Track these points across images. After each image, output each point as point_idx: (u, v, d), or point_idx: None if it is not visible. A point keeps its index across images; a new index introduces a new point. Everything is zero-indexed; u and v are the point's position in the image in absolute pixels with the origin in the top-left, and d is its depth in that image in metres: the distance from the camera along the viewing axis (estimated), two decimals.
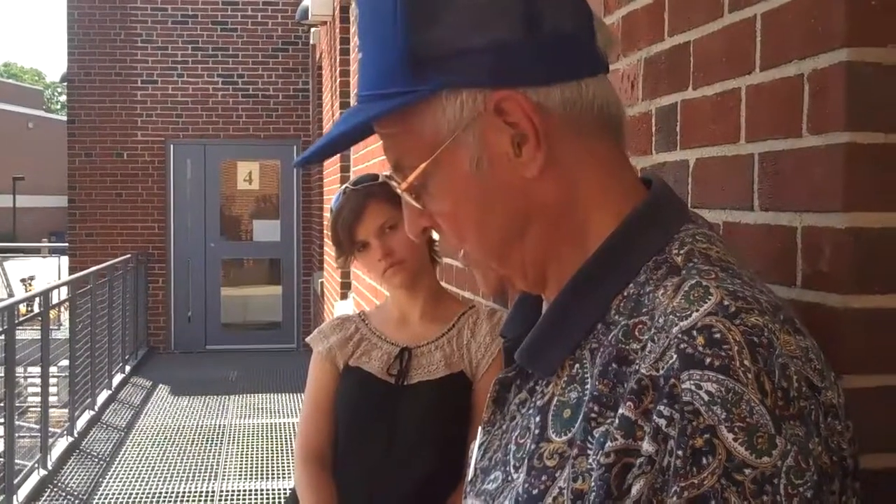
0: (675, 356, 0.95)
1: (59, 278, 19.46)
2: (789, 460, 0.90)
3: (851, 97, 1.28)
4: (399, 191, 1.17)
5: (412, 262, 2.84)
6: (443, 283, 4.03)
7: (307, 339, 3.08)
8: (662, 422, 0.93)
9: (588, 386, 1.04)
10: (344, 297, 9.35)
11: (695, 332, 0.95)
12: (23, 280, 23.70)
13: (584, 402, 1.04)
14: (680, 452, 0.91)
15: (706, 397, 0.91)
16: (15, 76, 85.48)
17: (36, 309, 9.92)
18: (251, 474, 9.09)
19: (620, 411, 0.97)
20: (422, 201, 1.15)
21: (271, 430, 10.59)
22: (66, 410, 10.18)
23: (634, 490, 0.94)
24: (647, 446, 0.94)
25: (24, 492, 8.16)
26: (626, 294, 1.07)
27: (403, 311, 2.95)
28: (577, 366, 1.08)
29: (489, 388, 2.93)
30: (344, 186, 2.95)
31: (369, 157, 6.93)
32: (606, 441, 0.97)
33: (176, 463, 9.38)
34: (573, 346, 1.10)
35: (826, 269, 1.33)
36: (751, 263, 1.49)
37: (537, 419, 1.11)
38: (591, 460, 0.99)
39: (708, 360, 0.93)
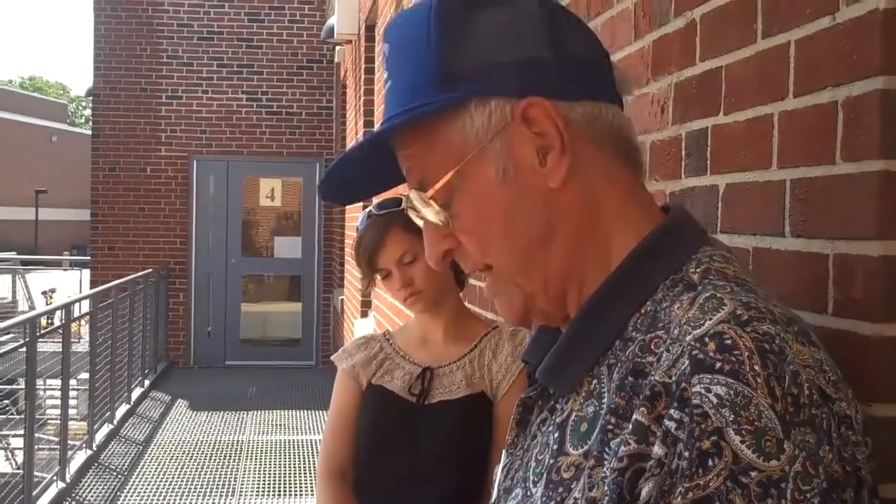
0: (687, 362, 0.96)
1: (81, 291, 19.54)
2: (797, 466, 0.91)
3: (886, 125, 1.27)
4: (420, 214, 1.20)
5: (431, 291, 2.84)
6: (466, 304, 4.03)
7: (332, 358, 3.10)
8: (672, 425, 0.94)
9: (605, 400, 1.06)
10: (364, 315, 9.35)
11: (707, 339, 0.97)
12: (44, 293, 23.79)
13: (600, 415, 1.05)
14: (687, 454, 0.92)
15: (715, 400, 0.93)
16: (40, 90, 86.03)
17: (57, 322, 9.95)
18: (268, 490, 9.09)
19: (634, 417, 0.99)
20: (445, 217, 1.17)
21: (289, 447, 10.59)
22: (86, 423, 10.21)
23: (644, 492, 0.95)
24: (657, 449, 0.95)
25: None
26: (643, 311, 1.09)
27: (426, 331, 2.96)
28: (594, 381, 1.10)
29: (510, 408, 2.93)
30: (368, 209, 2.95)
31: None
32: (621, 448, 0.98)
33: (193, 478, 9.39)
34: (591, 362, 1.12)
35: (858, 296, 1.32)
36: (781, 289, 1.49)
37: (556, 435, 1.12)
38: (605, 469, 1.00)
39: (718, 364, 0.94)
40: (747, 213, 1.64)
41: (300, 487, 9.12)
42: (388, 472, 2.80)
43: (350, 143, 12.05)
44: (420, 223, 1.23)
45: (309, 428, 11.45)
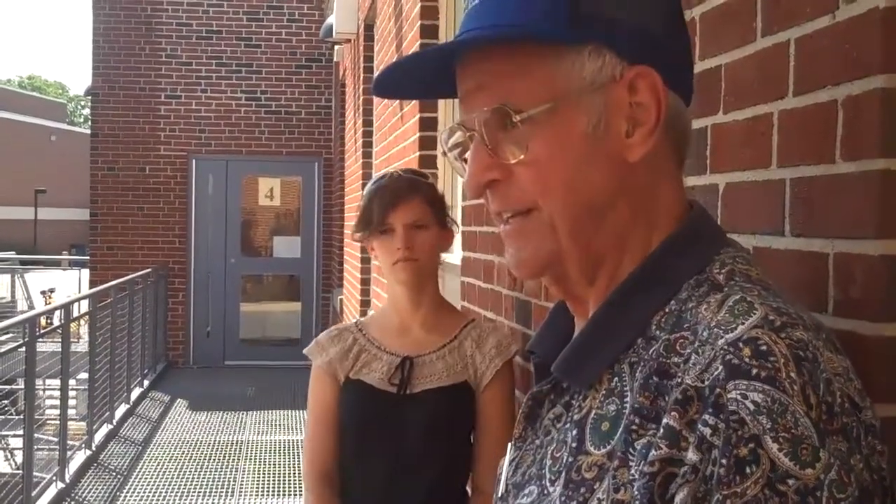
0: (720, 367, 0.95)
1: (80, 291, 19.54)
2: (832, 474, 0.90)
3: (886, 124, 1.27)
4: (482, 137, 1.16)
5: (424, 264, 2.88)
6: (464, 303, 4.03)
7: (304, 351, 3.08)
8: (707, 431, 0.93)
9: (627, 399, 1.05)
10: (363, 314, 9.34)
11: (741, 344, 0.96)
12: (43, 292, 23.77)
13: (623, 414, 1.04)
14: (724, 461, 0.91)
15: (752, 407, 0.92)
16: (39, 89, 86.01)
17: (56, 322, 9.95)
18: (267, 490, 9.09)
19: (665, 421, 0.97)
20: (523, 142, 1.14)
21: (288, 447, 10.59)
22: (85, 424, 10.20)
23: (678, 499, 0.94)
24: (691, 455, 0.94)
25: None
26: (667, 310, 1.09)
27: (404, 319, 2.96)
28: (615, 379, 1.09)
29: (493, 398, 2.95)
30: (391, 170, 2.98)
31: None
32: (650, 451, 0.97)
33: (193, 478, 9.39)
34: (612, 359, 1.11)
35: (858, 296, 1.32)
36: (781, 289, 1.49)
37: (574, 433, 1.11)
38: (633, 471, 0.99)
39: (755, 370, 0.93)
40: (747, 212, 1.64)
41: (299, 487, 9.10)
42: (373, 466, 2.81)
43: (348, 142, 12.04)
44: (451, 159, 1.26)
45: None
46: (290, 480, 9.36)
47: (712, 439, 0.93)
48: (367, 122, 9.75)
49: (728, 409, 0.93)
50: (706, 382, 0.96)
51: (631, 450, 1.00)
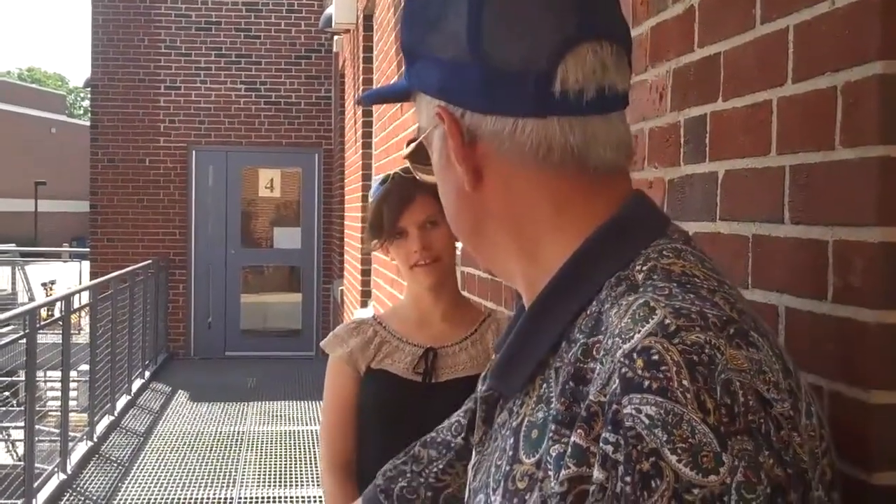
0: (617, 381, 0.94)
1: (80, 283, 19.55)
2: (738, 476, 0.89)
3: (886, 110, 1.26)
4: None
5: (446, 262, 2.85)
6: (464, 293, 4.03)
7: (321, 344, 3.03)
8: (609, 448, 0.92)
9: (553, 405, 1.04)
10: (364, 305, 9.35)
11: (635, 355, 0.94)
12: (44, 284, 23.80)
13: (548, 422, 1.03)
14: (628, 478, 0.90)
15: (647, 421, 0.91)
16: (38, 81, 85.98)
17: (57, 313, 9.96)
18: (269, 481, 9.10)
19: (572, 439, 0.97)
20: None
21: (290, 438, 10.61)
22: (86, 415, 10.22)
23: None
24: (597, 473, 0.93)
25: (43, 496, 8.19)
26: (588, 312, 1.07)
27: (424, 312, 2.93)
28: (545, 385, 1.08)
29: None
30: (392, 172, 2.94)
31: (389, 165, 6.93)
32: (561, 468, 0.97)
33: (194, 469, 9.40)
34: (536, 364, 1.10)
35: (858, 283, 1.31)
36: (781, 277, 1.49)
37: (511, 441, 1.11)
38: (552, 483, 0.98)
39: (647, 382, 0.92)
40: (746, 199, 1.63)
41: (301, 478, 9.13)
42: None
43: (348, 132, 12.04)
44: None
45: (309, 418, 11.46)
46: (291, 471, 9.37)
47: (615, 456, 0.92)
48: (367, 113, 9.74)
49: (625, 424, 0.92)
50: (606, 397, 0.95)
51: (548, 457, 1.00)
